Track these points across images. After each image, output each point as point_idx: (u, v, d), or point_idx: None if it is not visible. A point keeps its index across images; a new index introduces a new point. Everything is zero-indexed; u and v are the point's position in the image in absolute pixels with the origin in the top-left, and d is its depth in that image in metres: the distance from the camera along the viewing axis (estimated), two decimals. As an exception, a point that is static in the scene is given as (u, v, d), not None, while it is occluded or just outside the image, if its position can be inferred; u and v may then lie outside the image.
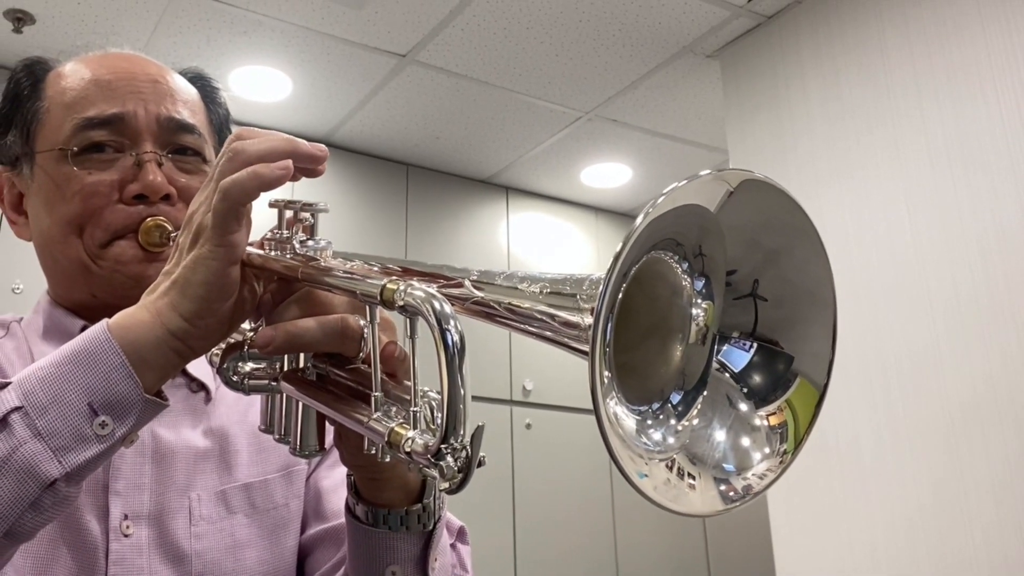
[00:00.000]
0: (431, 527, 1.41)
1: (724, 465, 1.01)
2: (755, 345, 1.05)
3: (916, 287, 4.31)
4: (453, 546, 1.57)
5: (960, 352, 4.10)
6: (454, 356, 1.01)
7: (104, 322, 1.23)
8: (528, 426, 6.73)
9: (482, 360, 6.51)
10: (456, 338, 1.01)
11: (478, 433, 1.04)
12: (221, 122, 1.83)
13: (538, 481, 6.64)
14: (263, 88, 6.01)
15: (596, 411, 0.90)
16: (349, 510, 1.43)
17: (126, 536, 1.48)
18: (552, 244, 7.41)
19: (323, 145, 1.29)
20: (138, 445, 1.53)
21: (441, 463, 1.02)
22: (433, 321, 1.02)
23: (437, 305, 1.03)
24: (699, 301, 1.04)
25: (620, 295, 0.92)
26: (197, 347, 1.24)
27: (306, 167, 1.28)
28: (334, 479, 1.69)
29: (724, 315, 1.05)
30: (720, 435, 1.02)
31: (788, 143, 5.03)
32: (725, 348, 1.05)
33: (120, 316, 1.24)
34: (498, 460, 6.51)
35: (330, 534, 1.63)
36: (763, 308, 1.05)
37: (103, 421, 1.16)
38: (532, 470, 6.64)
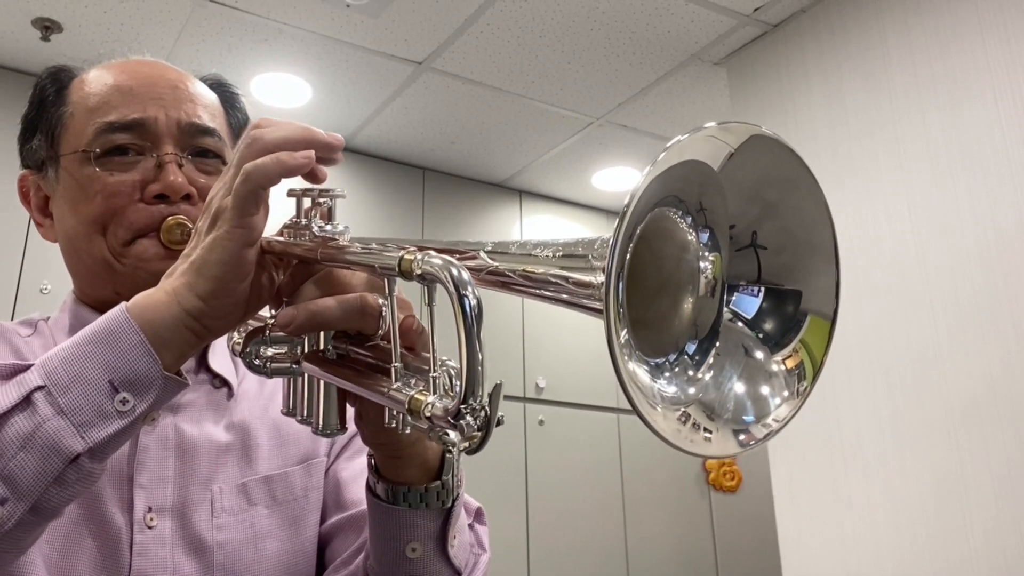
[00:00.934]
0: (450, 504, 1.41)
1: (744, 417, 1.02)
2: (763, 290, 1.06)
3: (917, 287, 4.30)
4: (471, 526, 1.58)
5: (960, 351, 4.10)
6: (472, 320, 1.02)
7: (123, 304, 1.25)
8: (541, 422, 6.73)
9: (496, 359, 6.49)
10: (474, 302, 1.02)
11: (496, 391, 1.04)
12: (241, 126, 1.82)
13: (551, 475, 6.64)
14: (283, 94, 6.01)
15: (615, 365, 0.89)
16: (370, 489, 1.43)
17: (150, 528, 1.49)
18: (565, 245, 7.36)
19: (339, 135, 1.31)
20: (161, 439, 1.55)
21: (461, 422, 1.02)
22: (451, 288, 1.03)
23: (455, 272, 1.03)
24: (706, 254, 1.04)
25: (628, 253, 0.92)
26: (213, 327, 1.25)
27: (323, 156, 1.29)
28: (353, 469, 1.70)
29: (730, 266, 1.05)
30: (739, 387, 1.03)
31: (793, 147, 5.01)
32: (735, 297, 1.06)
33: (138, 297, 1.26)
34: (512, 455, 6.52)
35: (350, 522, 1.63)
36: (764, 256, 1.05)
37: (124, 398, 1.17)
38: (545, 465, 6.64)
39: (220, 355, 1.73)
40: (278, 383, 1.69)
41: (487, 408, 1.03)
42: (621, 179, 7.18)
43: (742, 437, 1.01)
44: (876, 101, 4.67)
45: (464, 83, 5.94)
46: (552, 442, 6.73)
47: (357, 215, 6.45)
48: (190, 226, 1.58)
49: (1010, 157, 4.05)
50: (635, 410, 0.91)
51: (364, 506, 1.53)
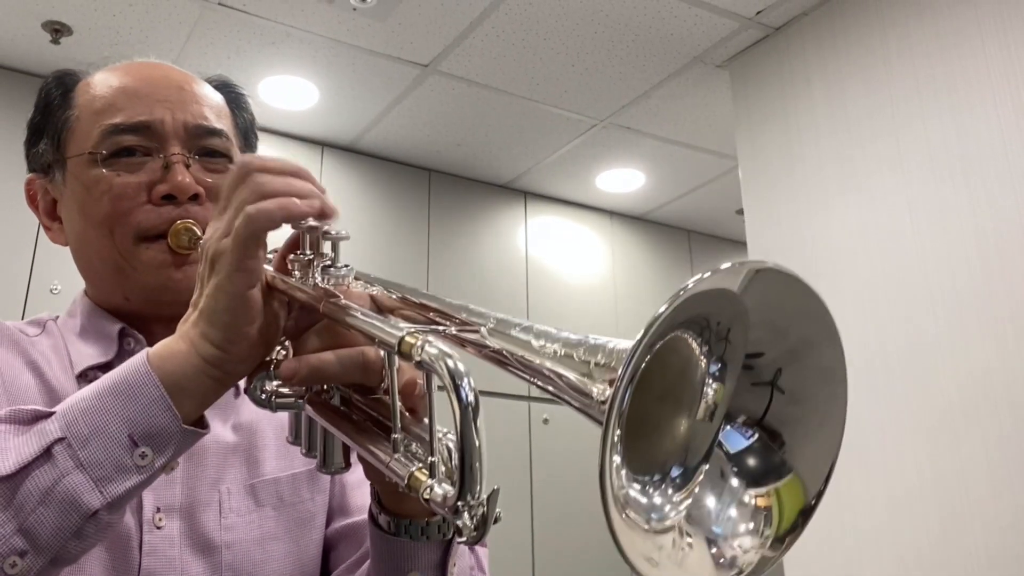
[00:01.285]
0: (450, 536, 1.41)
1: (714, 528, 0.97)
2: (756, 434, 1.01)
3: (918, 285, 4.31)
4: (472, 549, 1.57)
5: (959, 347, 4.11)
6: (468, 413, 1.00)
7: (144, 352, 1.24)
8: (545, 421, 6.73)
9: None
10: (470, 396, 1.00)
11: (494, 495, 1.03)
12: (247, 126, 1.83)
13: (555, 474, 6.64)
14: (291, 97, 6.02)
15: (602, 487, 0.88)
16: (372, 518, 1.43)
17: (158, 528, 1.49)
18: (568, 246, 7.40)
19: (337, 208, 1.29)
20: None
21: (460, 517, 1.01)
22: (448, 380, 1.00)
23: (451, 364, 1.01)
24: (711, 382, 0.99)
25: (631, 393, 0.86)
26: (233, 371, 1.25)
27: (320, 218, 1.27)
28: (358, 475, 1.64)
29: (736, 397, 1.00)
30: (711, 501, 0.98)
31: (795, 149, 5.02)
32: (727, 429, 1.01)
33: (159, 347, 1.24)
34: (516, 453, 6.52)
35: (353, 529, 1.64)
36: (778, 399, 1.01)
37: (143, 452, 1.17)
38: (549, 463, 6.64)
39: None
40: None
41: (484, 507, 1.03)
42: (624, 180, 7.19)
43: (714, 551, 0.96)
44: (877, 103, 4.68)
45: (469, 86, 5.94)
46: (556, 440, 6.73)
47: (364, 217, 6.46)
48: (197, 232, 1.59)
49: (1008, 159, 4.06)
50: (610, 528, 0.91)
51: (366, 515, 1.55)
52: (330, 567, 1.65)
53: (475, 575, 1.56)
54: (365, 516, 1.54)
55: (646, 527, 0.95)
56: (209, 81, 1.80)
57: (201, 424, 1.25)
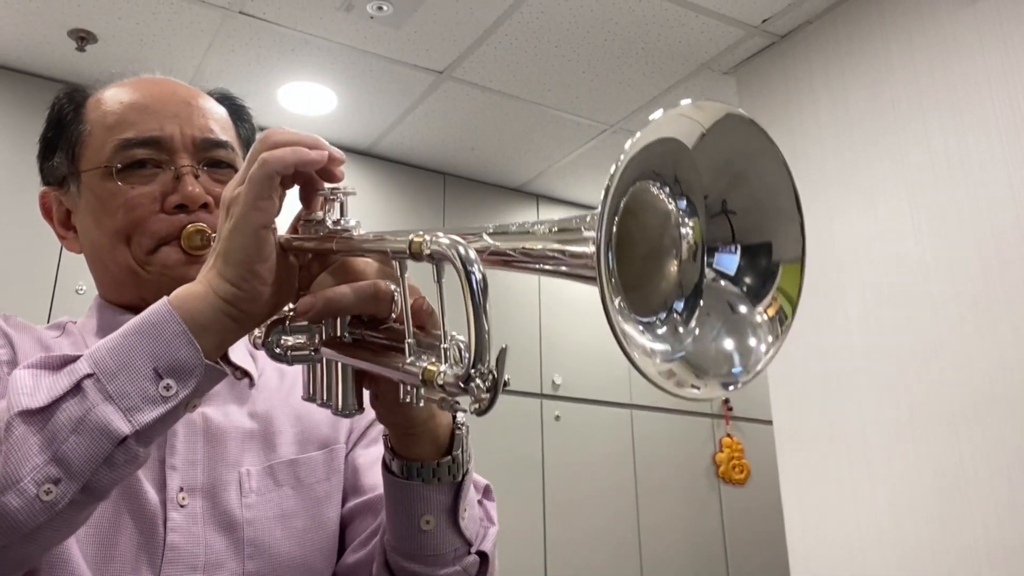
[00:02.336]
0: (460, 478, 1.45)
1: (733, 370, 1.06)
2: (739, 247, 1.10)
3: (920, 287, 4.31)
4: (480, 502, 1.60)
5: (961, 349, 4.11)
6: (478, 292, 1.06)
7: (164, 298, 1.28)
8: (557, 418, 6.73)
9: (514, 357, 6.42)
10: (479, 277, 1.06)
11: (502, 355, 1.08)
12: (248, 137, 1.87)
13: (566, 468, 6.64)
14: (310, 103, 6.03)
15: (610, 325, 0.95)
16: (386, 467, 1.47)
17: (182, 506, 1.53)
18: (579, 248, 7.37)
19: (344, 157, 1.35)
20: (190, 425, 1.60)
21: (471, 384, 1.07)
22: (459, 263, 1.07)
23: (462, 250, 1.08)
24: (686, 220, 1.08)
25: (615, 225, 0.95)
26: (248, 310, 1.28)
27: (327, 168, 1.33)
28: (369, 456, 1.75)
29: (707, 230, 1.09)
30: (728, 343, 1.07)
31: (800, 154, 5.02)
32: (716, 257, 1.10)
33: (178, 290, 1.29)
34: (529, 449, 6.52)
35: (367, 505, 1.68)
36: (735, 220, 1.10)
37: (167, 384, 1.21)
38: (561, 458, 6.64)
39: (240, 350, 1.77)
40: (297, 376, 1.78)
41: (494, 372, 1.07)
42: (634, 184, 7.15)
43: (730, 388, 1.06)
44: (879, 109, 4.68)
45: (483, 92, 5.95)
46: (568, 436, 6.73)
47: (380, 219, 6.46)
48: (209, 232, 1.64)
49: (1008, 162, 4.06)
50: (631, 362, 0.96)
51: (380, 491, 1.59)
52: (345, 543, 1.69)
53: (484, 524, 1.59)
54: (377, 492, 1.64)
55: (666, 361, 1.03)
56: (211, 94, 1.84)
57: (220, 365, 1.29)
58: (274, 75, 5.72)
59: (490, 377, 1.07)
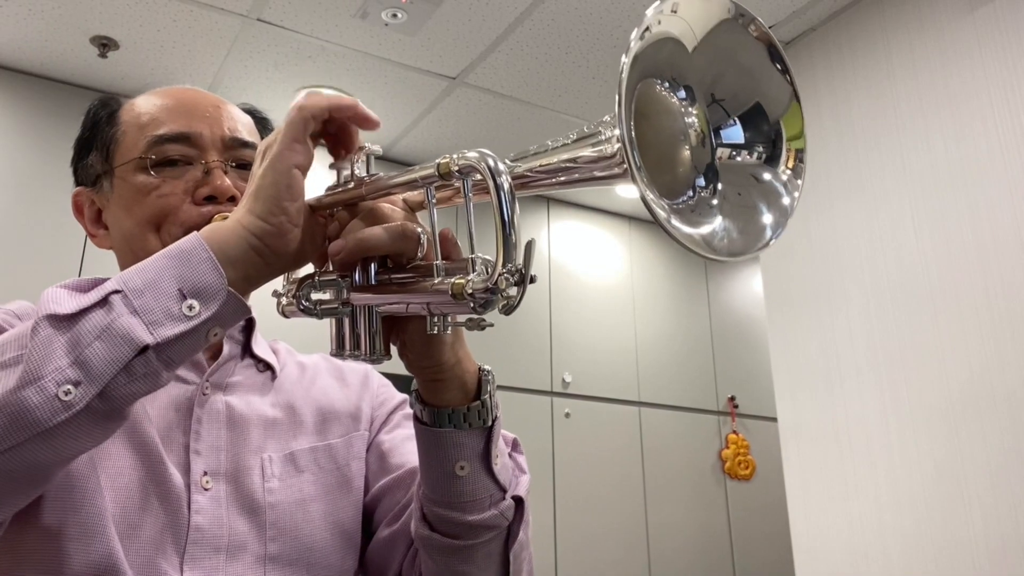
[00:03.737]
0: (490, 423, 1.47)
1: (767, 234, 1.14)
2: (737, 120, 1.15)
3: (920, 288, 4.32)
4: (510, 455, 1.62)
5: (960, 347, 4.12)
6: (504, 197, 1.12)
7: (194, 231, 1.30)
8: (567, 415, 6.74)
9: (525, 355, 6.57)
10: (507, 186, 1.13)
11: (529, 247, 1.14)
12: None
13: (576, 465, 6.66)
14: (326, 108, 6.00)
15: (646, 204, 1.00)
16: (417, 419, 1.49)
17: (206, 490, 1.56)
18: (589, 250, 7.39)
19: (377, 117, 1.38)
20: (214, 412, 1.64)
21: (499, 278, 1.11)
22: (487, 173, 1.13)
23: (490, 161, 1.14)
24: (689, 109, 1.14)
25: (632, 120, 1.01)
26: (274, 247, 1.30)
27: (358, 117, 1.36)
28: (394, 439, 1.78)
29: (708, 117, 1.15)
30: (767, 217, 1.15)
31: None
32: (723, 134, 1.15)
33: (209, 225, 1.32)
34: (540, 446, 6.53)
35: (397, 482, 1.71)
36: (727, 104, 1.15)
37: (191, 304, 1.23)
38: (571, 455, 6.65)
39: (262, 346, 1.81)
40: (318, 369, 1.84)
41: (521, 267, 1.13)
42: (642, 187, 7.14)
43: (768, 239, 1.14)
44: (881, 114, 4.68)
45: (495, 97, 5.96)
46: (577, 433, 6.74)
47: (394, 221, 6.46)
48: None
49: (1007, 166, 4.07)
50: (676, 240, 1.04)
51: (408, 467, 1.67)
52: (375, 522, 1.72)
53: (516, 474, 1.60)
54: (406, 469, 1.69)
55: (702, 228, 1.10)
56: (238, 107, 1.88)
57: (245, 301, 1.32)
58: (291, 81, 5.73)
59: (518, 273, 1.12)
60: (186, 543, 1.50)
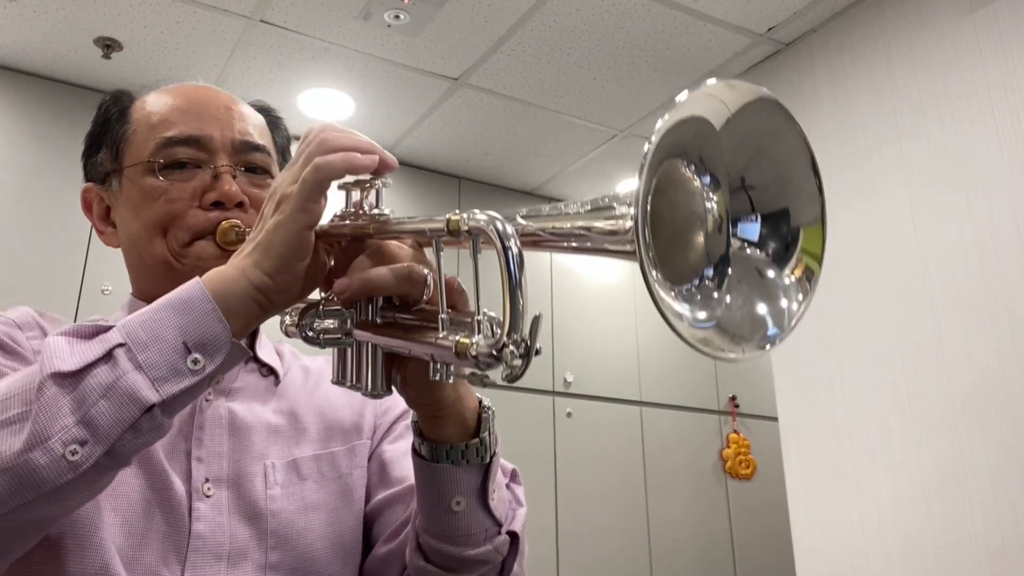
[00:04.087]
0: (488, 460, 1.46)
1: (768, 332, 1.08)
2: (759, 216, 1.11)
3: (921, 288, 4.32)
4: (508, 485, 1.61)
5: (960, 347, 4.12)
6: (513, 264, 1.08)
7: (197, 277, 1.29)
8: (569, 414, 6.73)
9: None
10: (516, 250, 1.09)
11: (535, 322, 1.09)
12: (284, 146, 1.89)
13: (578, 463, 6.65)
14: (328, 108, 6.04)
15: (651, 295, 0.96)
16: (416, 451, 1.48)
17: (208, 496, 1.54)
18: (590, 249, 7.38)
19: (395, 157, 1.36)
20: (216, 419, 1.62)
21: (505, 353, 1.08)
22: (496, 236, 1.09)
23: (499, 225, 1.10)
24: (710, 194, 1.09)
25: (651, 196, 0.98)
26: (276, 300, 1.29)
27: (379, 171, 1.34)
28: (397, 451, 1.75)
29: (730, 203, 1.10)
30: (761, 308, 1.09)
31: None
32: (739, 227, 1.11)
33: (211, 272, 1.30)
34: (542, 445, 6.53)
35: (396, 497, 1.68)
36: (754, 193, 1.11)
37: (195, 358, 1.21)
38: (572, 454, 6.65)
39: (267, 349, 1.79)
40: (321, 374, 1.81)
41: (527, 340, 1.09)
42: (643, 187, 7.15)
43: (768, 347, 1.08)
44: (882, 115, 4.69)
45: (497, 98, 5.96)
46: (579, 433, 6.74)
47: (397, 221, 6.46)
48: (244, 229, 1.65)
49: (1006, 166, 4.08)
50: (673, 329, 0.98)
51: (408, 483, 1.62)
52: (374, 536, 1.70)
53: (513, 506, 1.59)
54: (406, 485, 1.64)
55: (701, 327, 1.05)
56: (250, 104, 1.86)
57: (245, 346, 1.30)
58: (294, 82, 5.74)
59: (523, 344, 1.08)
60: (187, 551, 1.50)
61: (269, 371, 1.75)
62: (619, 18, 5.13)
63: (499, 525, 1.50)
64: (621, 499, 6.78)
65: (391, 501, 1.69)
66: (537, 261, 7.14)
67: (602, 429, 6.87)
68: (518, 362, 1.08)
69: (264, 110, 1.88)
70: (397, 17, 5.08)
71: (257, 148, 1.74)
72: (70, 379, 1.18)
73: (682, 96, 0.99)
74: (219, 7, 5.04)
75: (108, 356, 1.19)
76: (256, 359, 1.75)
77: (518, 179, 7.07)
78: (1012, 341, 3.93)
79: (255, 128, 1.78)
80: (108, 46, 5.34)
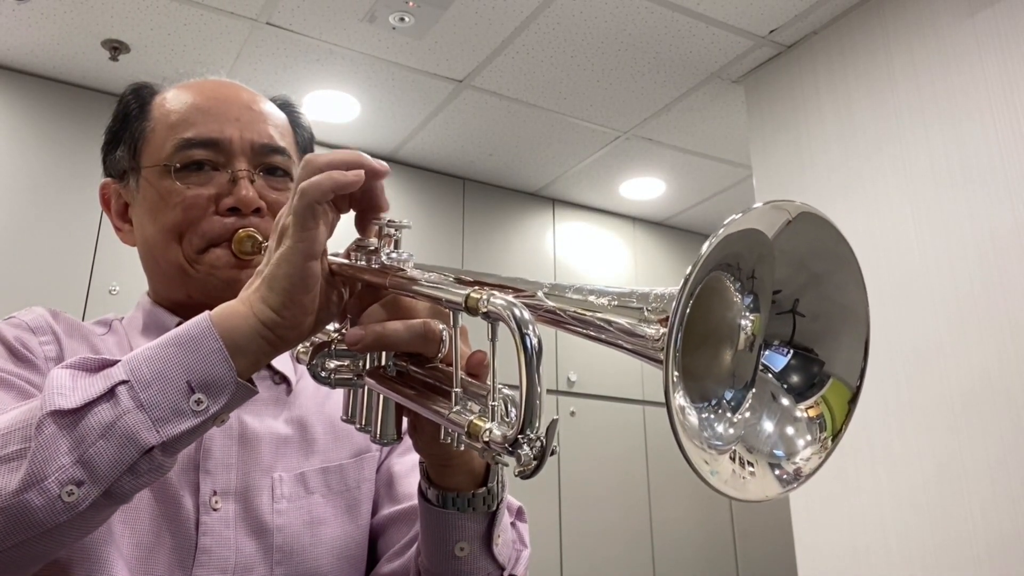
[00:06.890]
0: (494, 508, 1.43)
1: (775, 451, 1.03)
2: (792, 351, 1.06)
3: (921, 288, 4.32)
4: (513, 524, 1.59)
5: (960, 346, 4.12)
6: (532, 357, 1.03)
7: (206, 312, 1.25)
8: (572, 413, 6.74)
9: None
10: (534, 341, 1.03)
11: (552, 425, 1.05)
12: (306, 143, 1.86)
13: (581, 462, 6.66)
14: (334, 110, 6.04)
15: (668, 410, 0.91)
16: (422, 494, 1.45)
17: (215, 510, 1.52)
18: (594, 250, 7.40)
19: (385, 163, 1.31)
20: (226, 429, 1.58)
21: (519, 451, 1.03)
22: (514, 326, 1.04)
23: (517, 312, 1.05)
24: (747, 314, 1.04)
25: (688, 309, 0.91)
26: (285, 336, 1.25)
27: (369, 180, 1.29)
28: (405, 465, 1.72)
29: (768, 326, 1.05)
30: (769, 426, 1.04)
31: (805, 160, 5.03)
32: (767, 353, 1.06)
33: (220, 308, 1.26)
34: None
35: (402, 515, 1.66)
36: (801, 322, 1.06)
37: (199, 399, 1.18)
38: (576, 453, 6.65)
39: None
40: None
41: (543, 440, 1.04)
42: (646, 188, 7.20)
43: (777, 472, 1.02)
44: (883, 116, 4.69)
45: (501, 100, 5.96)
46: (583, 432, 6.74)
47: (402, 222, 6.46)
48: (259, 238, 1.64)
49: (1006, 168, 4.08)
50: (685, 456, 0.93)
51: (415, 501, 1.55)
52: (379, 552, 1.67)
53: (517, 547, 1.57)
54: (413, 503, 1.57)
55: (711, 449, 0.99)
56: (272, 100, 1.83)
57: (251, 385, 1.27)
58: (300, 84, 5.75)
59: (538, 444, 1.04)
60: (193, 565, 1.48)
61: (282, 379, 1.72)
62: (622, 21, 5.13)
63: (502, 569, 1.49)
64: (624, 498, 6.79)
65: (397, 518, 1.67)
66: (541, 257, 7.13)
67: (606, 428, 6.87)
68: (532, 463, 1.04)
69: (286, 105, 1.85)
70: (402, 19, 5.09)
71: (277, 151, 1.72)
72: (70, 417, 1.16)
73: (735, 216, 0.95)
74: (226, 9, 5.04)
75: (110, 393, 1.17)
76: (269, 366, 1.71)
77: (522, 180, 7.07)
78: (1012, 341, 3.93)
79: (276, 128, 1.75)
80: (115, 48, 5.34)
